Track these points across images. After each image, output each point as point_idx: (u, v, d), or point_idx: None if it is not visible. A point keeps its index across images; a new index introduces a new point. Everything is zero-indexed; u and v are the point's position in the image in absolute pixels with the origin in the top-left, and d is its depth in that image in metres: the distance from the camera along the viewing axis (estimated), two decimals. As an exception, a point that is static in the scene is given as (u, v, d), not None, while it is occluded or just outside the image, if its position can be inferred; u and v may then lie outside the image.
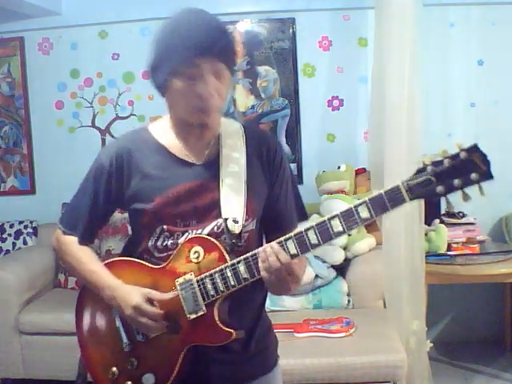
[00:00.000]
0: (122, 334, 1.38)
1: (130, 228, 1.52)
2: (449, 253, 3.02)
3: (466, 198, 1.11)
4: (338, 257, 3.00)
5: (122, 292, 1.34)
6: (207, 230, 1.33)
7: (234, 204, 1.33)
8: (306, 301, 2.91)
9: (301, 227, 1.25)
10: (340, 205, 3.16)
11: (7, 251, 3.56)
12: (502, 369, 3.13)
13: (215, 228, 1.33)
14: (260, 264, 1.24)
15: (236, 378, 1.41)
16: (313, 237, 1.21)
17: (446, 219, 3.14)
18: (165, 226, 1.34)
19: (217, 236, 1.32)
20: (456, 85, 3.50)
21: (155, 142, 1.39)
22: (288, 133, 3.63)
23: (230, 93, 1.38)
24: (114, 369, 1.40)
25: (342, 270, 3.02)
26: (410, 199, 1.13)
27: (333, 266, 2.99)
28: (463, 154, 1.08)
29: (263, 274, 1.24)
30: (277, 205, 1.42)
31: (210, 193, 1.34)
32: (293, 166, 3.65)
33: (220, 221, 1.33)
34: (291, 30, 3.58)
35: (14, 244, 3.59)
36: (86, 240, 1.45)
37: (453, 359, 3.15)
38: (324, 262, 2.97)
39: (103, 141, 3.74)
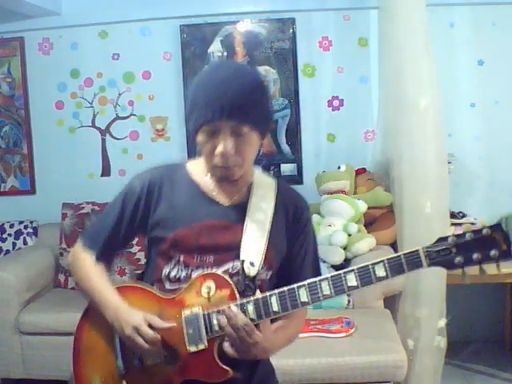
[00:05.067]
0: (118, 357, 1.38)
1: (145, 259, 1.52)
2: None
3: (482, 272, 1.14)
4: (338, 257, 3.00)
5: (125, 312, 1.34)
6: (222, 269, 1.34)
7: (253, 249, 1.34)
8: (306, 301, 2.90)
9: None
10: (340, 205, 3.17)
11: (7, 251, 3.56)
12: (502, 369, 3.13)
13: (230, 269, 1.34)
14: (222, 321, 1.26)
15: None
16: (351, 281, 1.26)
17: (446, 219, 3.14)
18: (181, 257, 1.35)
19: (231, 276, 1.33)
20: (456, 85, 3.50)
21: (189, 177, 1.42)
22: (288, 133, 3.63)
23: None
24: None
25: (342, 269, 3.01)
26: (428, 265, 1.17)
27: (333, 266, 2.99)
28: (486, 231, 1.13)
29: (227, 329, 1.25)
30: (293, 264, 1.43)
31: (232, 234, 1.35)
32: (293, 166, 3.66)
33: (237, 263, 1.33)
34: (291, 30, 3.58)
35: (14, 244, 3.58)
36: (101, 258, 1.45)
37: (453, 359, 3.15)
38: (324, 261, 2.97)
39: (103, 141, 3.74)
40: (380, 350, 2.38)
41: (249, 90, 1.28)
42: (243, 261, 1.32)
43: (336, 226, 3.10)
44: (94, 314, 1.44)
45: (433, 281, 2.70)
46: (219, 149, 1.29)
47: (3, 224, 3.62)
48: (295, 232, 1.42)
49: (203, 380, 1.32)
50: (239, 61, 1.35)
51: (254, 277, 1.32)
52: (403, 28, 2.75)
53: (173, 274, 1.36)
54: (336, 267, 3.01)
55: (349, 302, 2.90)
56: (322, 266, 2.94)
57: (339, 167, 3.36)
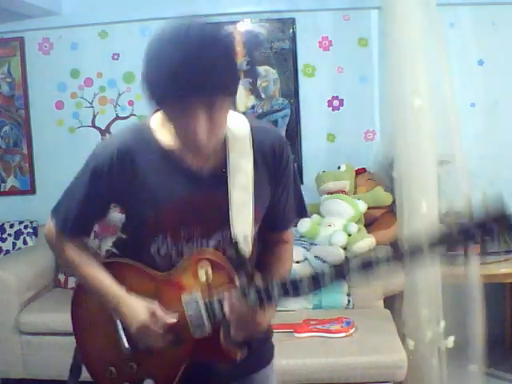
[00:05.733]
0: (122, 339, 1.34)
1: (125, 222, 1.41)
2: (449, 253, 3.02)
3: (484, 253, 1.14)
4: (338, 257, 2.99)
5: (128, 305, 1.31)
6: (212, 241, 1.32)
7: (242, 219, 1.30)
8: (306, 301, 2.91)
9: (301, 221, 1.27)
10: (340, 205, 3.17)
11: (7, 251, 3.56)
12: (502, 369, 3.13)
13: (221, 241, 1.32)
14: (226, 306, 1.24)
15: (237, 373, 1.41)
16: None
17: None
18: (168, 235, 1.31)
19: (223, 250, 1.31)
20: (456, 85, 3.50)
21: (158, 145, 1.29)
22: (288, 133, 3.63)
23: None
24: (113, 369, 1.38)
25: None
26: (430, 251, 1.17)
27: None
28: (488, 215, 1.12)
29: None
30: (276, 205, 1.40)
31: (216, 204, 1.30)
32: (293, 166, 3.65)
33: (226, 232, 1.30)
34: (291, 30, 3.58)
35: (13, 244, 3.58)
36: (77, 236, 1.40)
37: (453, 359, 3.14)
38: (324, 261, 2.97)
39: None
40: (380, 350, 2.38)
41: (216, 57, 1.11)
42: (235, 237, 1.27)
43: (336, 226, 3.10)
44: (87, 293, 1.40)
45: (431, 280, 2.70)
46: (192, 129, 1.15)
47: (3, 224, 3.62)
48: (277, 175, 1.36)
49: (210, 361, 1.33)
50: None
51: (249, 258, 1.29)
52: (403, 28, 2.74)
53: (163, 250, 1.32)
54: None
55: (349, 301, 2.90)
56: (322, 266, 2.96)
57: (339, 167, 3.36)
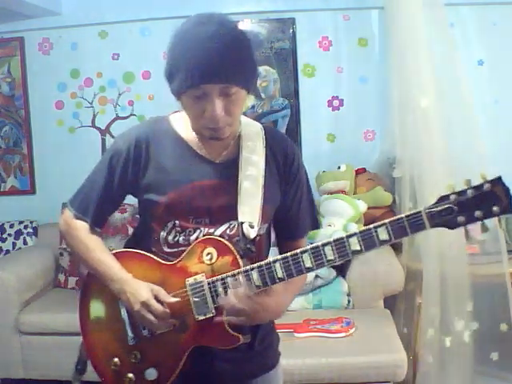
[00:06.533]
0: (127, 327, 1.38)
1: (138, 218, 1.50)
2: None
3: (484, 229, 1.13)
4: (338, 257, 2.99)
5: (132, 287, 1.33)
6: (220, 230, 1.33)
7: (249, 208, 1.32)
8: (305, 301, 2.91)
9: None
10: (340, 205, 3.17)
11: (7, 251, 3.56)
12: (502, 369, 3.12)
13: (228, 230, 1.33)
14: (229, 291, 1.25)
15: (238, 376, 1.42)
16: (354, 245, 1.23)
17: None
18: (177, 221, 1.34)
19: (230, 238, 1.32)
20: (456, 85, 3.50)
21: (175, 133, 1.37)
22: (288, 133, 3.62)
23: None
24: (116, 359, 1.39)
25: (341, 270, 3.02)
26: (431, 226, 1.14)
27: (333, 266, 2.99)
28: (487, 186, 1.10)
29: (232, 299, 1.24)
30: (289, 212, 1.43)
31: (226, 194, 1.33)
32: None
33: (233, 223, 1.33)
34: (291, 30, 3.58)
35: (14, 244, 3.58)
36: (96, 226, 1.43)
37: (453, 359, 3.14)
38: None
39: (103, 141, 3.74)
40: (380, 350, 2.38)
41: (235, 48, 1.22)
42: (242, 223, 1.30)
43: (336, 226, 3.10)
44: (96, 281, 1.42)
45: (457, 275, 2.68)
46: (208, 112, 1.23)
47: (3, 224, 3.62)
48: (288, 180, 1.41)
49: (214, 346, 1.33)
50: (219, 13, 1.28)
51: (254, 239, 1.31)
52: (406, 28, 2.74)
53: (170, 237, 1.35)
54: (336, 267, 3.01)
55: (349, 301, 2.90)
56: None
57: (339, 167, 3.36)
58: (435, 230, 1.17)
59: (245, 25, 3.58)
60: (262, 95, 3.64)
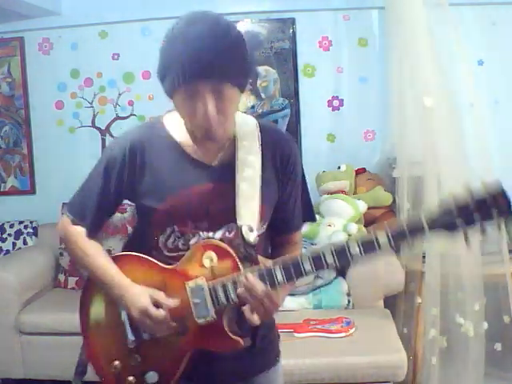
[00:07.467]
0: (127, 331, 1.37)
1: (136, 220, 1.51)
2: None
3: (483, 232, 1.14)
4: (338, 257, 2.99)
5: (130, 293, 1.32)
6: (219, 233, 1.33)
7: (248, 211, 1.32)
8: (306, 301, 2.91)
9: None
10: (340, 205, 3.17)
11: (7, 251, 3.56)
12: (502, 369, 3.12)
13: (227, 233, 1.33)
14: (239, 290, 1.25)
15: (240, 373, 1.42)
16: (354, 248, 1.21)
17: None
18: (175, 227, 1.33)
19: (229, 241, 1.31)
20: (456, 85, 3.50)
21: (170, 137, 1.36)
22: (288, 133, 3.61)
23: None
24: (117, 363, 1.39)
25: (342, 270, 3.02)
26: (430, 229, 1.15)
27: (333, 266, 2.99)
28: (486, 190, 1.12)
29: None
30: (285, 208, 1.42)
31: (223, 197, 1.32)
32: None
33: (232, 226, 1.32)
34: (291, 30, 3.58)
35: (13, 244, 3.58)
36: (93, 232, 1.43)
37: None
38: (324, 262, 2.97)
39: (103, 141, 3.74)
40: (380, 350, 2.38)
41: (227, 45, 1.20)
42: (241, 226, 1.29)
43: (336, 226, 3.10)
44: (96, 287, 1.42)
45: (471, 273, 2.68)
46: (200, 111, 1.22)
47: (3, 224, 3.62)
48: (284, 177, 1.39)
49: (214, 350, 1.33)
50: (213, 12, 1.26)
51: (254, 244, 1.30)
52: (406, 28, 2.74)
53: (170, 242, 1.34)
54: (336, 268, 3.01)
55: (349, 301, 2.90)
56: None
57: (339, 167, 3.36)
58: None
59: (245, 25, 3.59)
60: (262, 95, 3.64)
